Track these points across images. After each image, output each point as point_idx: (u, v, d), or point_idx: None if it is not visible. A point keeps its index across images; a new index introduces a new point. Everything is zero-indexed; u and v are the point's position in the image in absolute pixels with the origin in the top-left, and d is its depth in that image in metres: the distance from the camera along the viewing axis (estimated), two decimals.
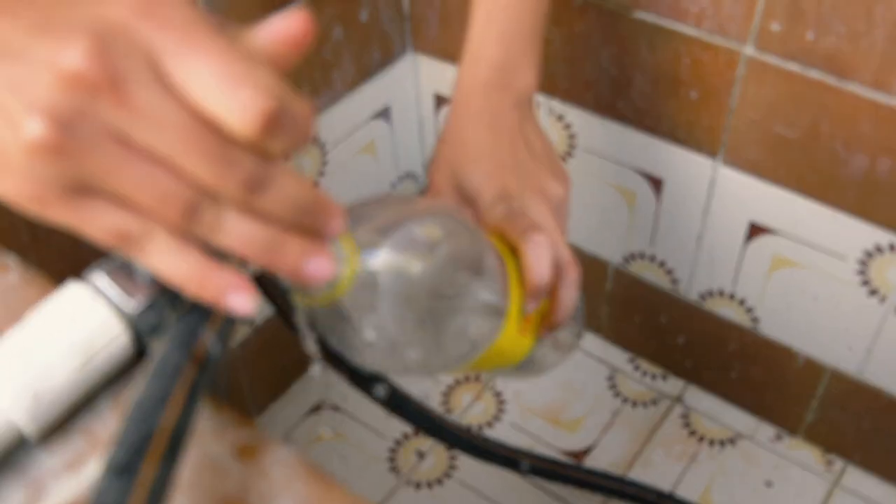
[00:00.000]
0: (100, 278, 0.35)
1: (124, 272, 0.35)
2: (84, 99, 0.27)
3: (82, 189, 0.29)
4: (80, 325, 0.34)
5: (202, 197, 0.30)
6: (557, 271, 0.56)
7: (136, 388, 0.31)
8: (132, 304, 0.35)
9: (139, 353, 0.36)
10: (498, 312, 0.52)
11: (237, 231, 0.30)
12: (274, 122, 0.28)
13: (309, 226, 0.32)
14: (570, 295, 0.57)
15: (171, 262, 0.31)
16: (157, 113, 0.28)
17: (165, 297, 0.35)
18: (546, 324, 0.58)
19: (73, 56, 0.27)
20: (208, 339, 0.34)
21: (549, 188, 0.61)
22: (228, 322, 0.36)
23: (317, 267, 0.32)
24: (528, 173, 0.61)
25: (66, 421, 0.35)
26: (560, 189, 0.62)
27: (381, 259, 0.43)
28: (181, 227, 0.30)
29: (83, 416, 0.35)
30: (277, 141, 0.29)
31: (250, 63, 0.28)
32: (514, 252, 0.55)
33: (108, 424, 0.35)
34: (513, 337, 0.55)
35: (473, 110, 0.63)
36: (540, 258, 0.54)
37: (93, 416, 0.35)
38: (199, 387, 0.32)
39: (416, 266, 0.45)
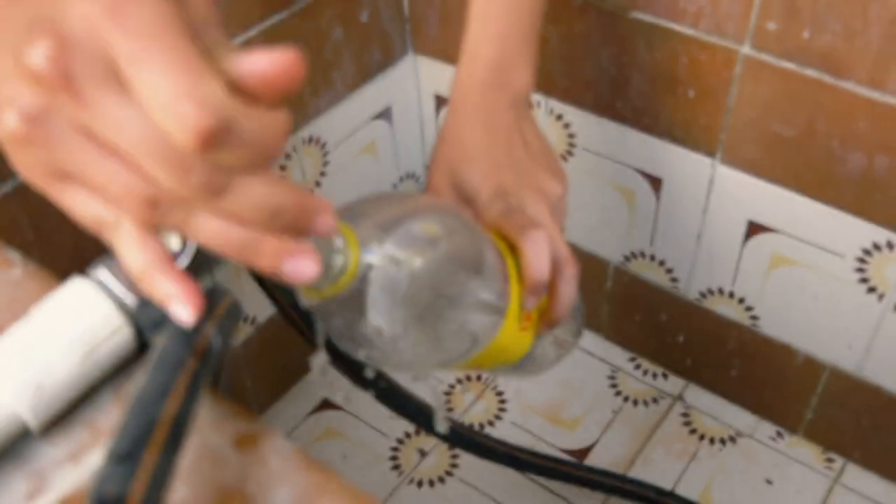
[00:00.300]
0: (102, 273, 0.35)
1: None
2: (48, 96, 0.29)
3: (62, 175, 0.31)
4: (83, 318, 0.35)
5: (166, 194, 0.30)
6: (556, 267, 0.57)
7: (139, 380, 0.32)
8: (134, 299, 0.35)
9: (141, 346, 0.37)
10: (498, 309, 0.53)
11: (208, 229, 0.31)
12: (213, 140, 0.28)
13: (289, 226, 0.31)
14: (568, 291, 0.58)
15: (129, 254, 0.32)
16: (113, 115, 0.29)
17: None
18: (545, 320, 0.58)
19: (34, 56, 0.28)
20: (210, 331, 0.35)
21: (547, 186, 0.62)
22: (230, 316, 0.37)
23: (294, 268, 0.32)
24: (525, 172, 0.62)
25: (68, 413, 0.35)
26: (557, 187, 0.62)
27: (383, 255, 0.44)
28: (148, 220, 0.31)
29: (85, 408, 0.36)
30: (225, 156, 0.28)
31: (200, 78, 0.28)
32: (513, 250, 0.56)
33: (110, 416, 0.35)
34: (513, 333, 0.55)
35: (470, 109, 0.63)
36: (539, 254, 0.54)
37: (95, 409, 0.36)
38: (200, 379, 0.33)
39: (416, 262, 0.46)
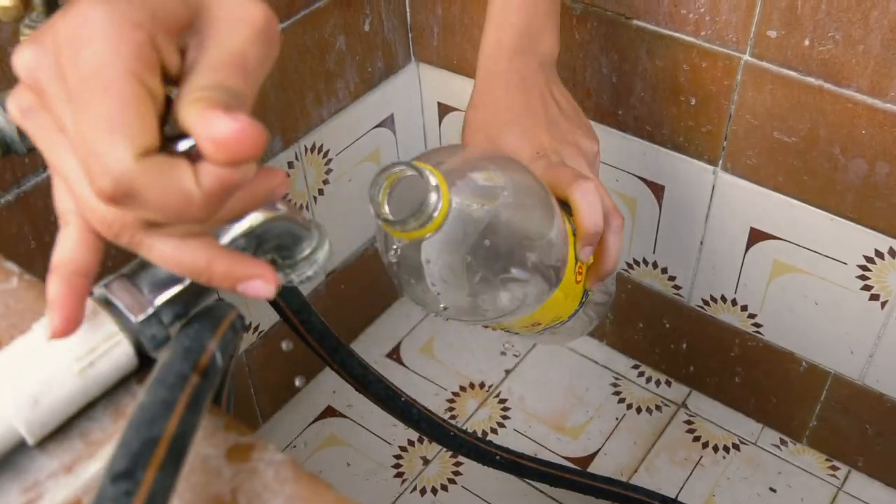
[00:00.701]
0: (104, 289, 0.35)
1: (129, 284, 0.35)
2: (32, 95, 0.31)
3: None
4: (83, 333, 0.35)
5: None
6: (605, 218, 0.58)
7: (140, 396, 0.32)
8: (135, 316, 0.35)
9: (141, 363, 0.37)
10: (562, 258, 0.54)
11: (159, 252, 0.32)
12: (116, 202, 0.29)
13: (247, 209, 0.33)
14: (617, 241, 0.59)
15: (57, 247, 0.33)
16: (69, 128, 0.30)
17: (169, 309, 0.35)
18: (595, 273, 0.60)
19: (15, 60, 0.31)
20: (213, 347, 0.35)
21: (583, 143, 0.63)
22: (235, 330, 0.37)
23: (246, 290, 0.34)
24: (561, 130, 0.63)
25: (64, 425, 0.35)
26: (593, 144, 0.64)
27: (466, 197, 0.45)
28: (106, 236, 0.32)
29: (81, 419, 0.36)
30: (139, 213, 0.30)
31: (113, 140, 0.28)
32: (561, 204, 0.57)
33: (106, 429, 0.36)
34: (570, 285, 0.57)
35: (502, 75, 0.65)
36: (592, 205, 0.56)
37: (90, 420, 0.36)
38: (202, 396, 0.33)
39: (496, 207, 0.47)
